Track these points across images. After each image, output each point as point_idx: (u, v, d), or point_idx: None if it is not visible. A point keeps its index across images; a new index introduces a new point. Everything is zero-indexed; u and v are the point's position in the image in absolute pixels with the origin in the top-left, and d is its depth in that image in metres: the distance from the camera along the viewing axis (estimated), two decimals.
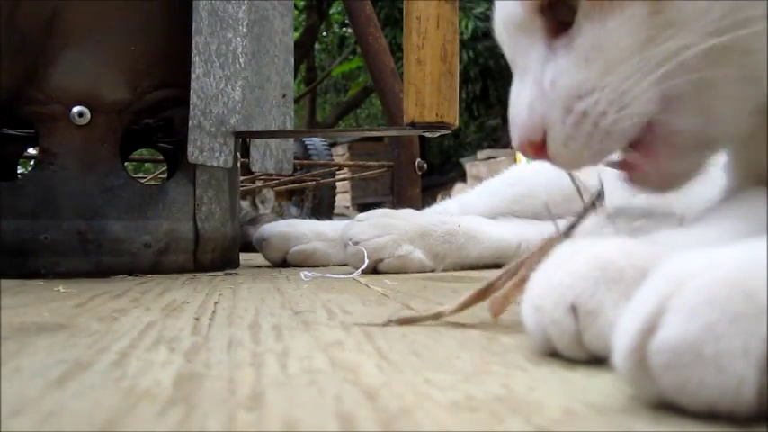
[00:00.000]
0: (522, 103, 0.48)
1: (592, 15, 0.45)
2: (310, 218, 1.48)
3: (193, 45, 0.95)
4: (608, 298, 0.34)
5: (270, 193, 2.41)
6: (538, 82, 0.48)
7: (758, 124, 0.47)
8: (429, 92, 0.96)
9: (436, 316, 0.48)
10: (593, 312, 0.34)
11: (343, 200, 6.02)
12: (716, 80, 0.45)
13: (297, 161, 1.74)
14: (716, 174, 0.52)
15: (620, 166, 0.49)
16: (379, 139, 6.09)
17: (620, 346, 0.27)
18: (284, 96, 1.18)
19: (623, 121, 0.45)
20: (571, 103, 0.46)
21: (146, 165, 3.12)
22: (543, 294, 0.36)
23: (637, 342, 0.26)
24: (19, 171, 1.23)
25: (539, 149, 0.48)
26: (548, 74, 0.47)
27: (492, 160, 5.55)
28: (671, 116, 0.45)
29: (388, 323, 0.48)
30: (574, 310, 0.34)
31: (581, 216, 0.50)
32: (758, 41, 0.43)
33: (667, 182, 0.48)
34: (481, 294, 0.47)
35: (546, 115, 0.47)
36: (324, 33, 9.34)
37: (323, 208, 2.54)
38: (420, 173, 1.78)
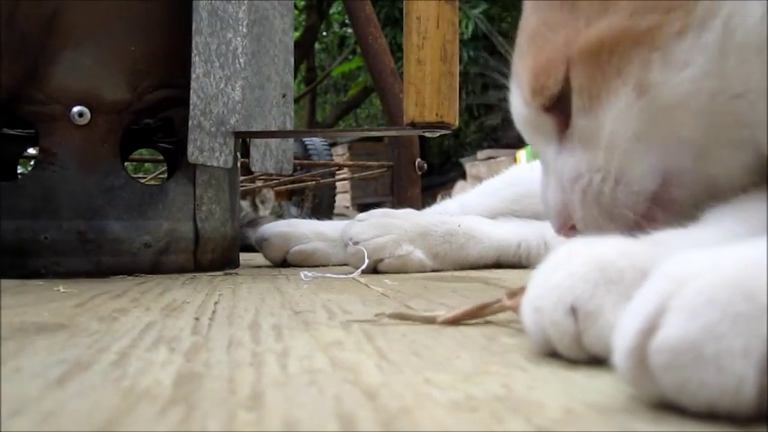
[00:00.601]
0: (550, 195, 0.55)
1: (584, 108, 0.49)
2: (310, 218, 1.48)
3: (193, 45, 0.95)
4: (608, 299, 0.34)
5: (270, 194, 2.41)
6: (557, 174, 0.53)
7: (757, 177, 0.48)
8: (429, 92, 0.96)
9: (428, 319, 0.48)
10: (593, 314, 0.34)
11: (343, 200, 6.02)
12: (715, 151, 0.47)
13: (297, 161, 1.74)
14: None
15: None
16: (379, 139, 6.09)
17: (621, 345, 0.27)
18: (284, 96, 1.18)
19: (623, 198, 0.49)
20: (573, 186, 0.51)
21: (146, 165, 3.12)
22: (543, 295, 0.36)
23: (637, 342, 0.26)
24: (19, 171, 1.23)
25: (572, 230, 0.54)
26: (559, 165, 0.53)
27: (492, 160, 5.55)
28: (672, 189, 0.48)
29: (378, 315, 0.48)
30: (573, 311, 0.34)
31: None
32: (755, 111, 0.45)
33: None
34: (477, 311, 0.47)
35: (566, 202, 0.53)
36: (324, 33, 9.33)
37: (323, 208, 2.54)
38: (420, 173, 1.78)
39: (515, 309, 0.45)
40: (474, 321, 0.49)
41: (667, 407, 0.26)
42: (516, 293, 0.45)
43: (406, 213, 1.05)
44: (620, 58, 0.46)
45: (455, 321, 0.47)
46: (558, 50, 0.49)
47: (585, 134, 0.50)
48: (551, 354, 0.36)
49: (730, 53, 0.44)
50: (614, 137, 0.48)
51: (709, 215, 0.47)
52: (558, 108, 0.51)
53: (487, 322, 0.50)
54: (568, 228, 0.54)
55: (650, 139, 0.47)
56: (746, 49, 0.43)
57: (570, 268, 0.35)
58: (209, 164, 0.99)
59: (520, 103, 0.55)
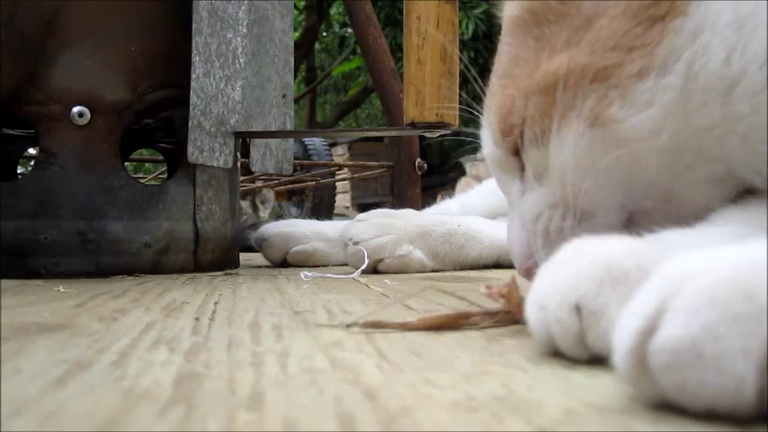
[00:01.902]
0: (513, 235, 0.54)
1: (536, 140, 0.49)
2: (310, 218, 1.48)
3: (193, 45, 0.95)
4: (612, 298, 0.34)
5: (270, 194, 2.42)
6: (520, 214, 0.53)
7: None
8: (429, 92, 0.96)
9: (402, 326, 0.47)
10: (597, 312, 0.34)
11: (343, 200, 6.02)
12: (686, 189, 0.46)
13: (297, 161, 1.74)
14: None
15: None
16: (379, 139, 6.09)
17: (621, 346, 0.27)
18: (284, 96, 1.18)
19: (584, 230, 0.47)
20: (533, 226, 0.50)
21: (146, 165, 3.12)
22: (547, 293, 0.36)
23: (637, 342, 0.26)
24: (19, 171, 1.23)
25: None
26: (521, 205, 0.52)
27: None
28: (641, 226, 0.47)
29: (352, 325, 0.46)
30: (578, 309, 0.34)
31: None
32: (723, 145, 0.44)
33: None
34: (451, 321, 0.46)
35: (529, 241, 0.52)
36: (324, 33, 9.34)
37: (323, 208, 2.54)
38: (420, 173, 1.78)
39: (515, 314, 0.45)
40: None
41: (667, 407, 0.26)
42: (506, 294, 0.45)
43: (406, 213, 1.05)
44: (576, 92, 0.46)
45: (429, 327, 0.46)
46: (521, 86, 0.49)
47: (538, 167, 0.49)
48: (552, 354, 0.36)
49: (693, 95, 0.44)
50: (564, 167, 0.47)
51: (715, 216, 0.47)
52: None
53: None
54: (530, 270, 0.51)
55: (608, 173, 0.46)
56: (710, 92, 0.43)
57: (576, 266, 0.35)
58: (209, 164, 0.99)
59: (490, 143, 0.55)
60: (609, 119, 0.45)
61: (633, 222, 0.48)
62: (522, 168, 0.52)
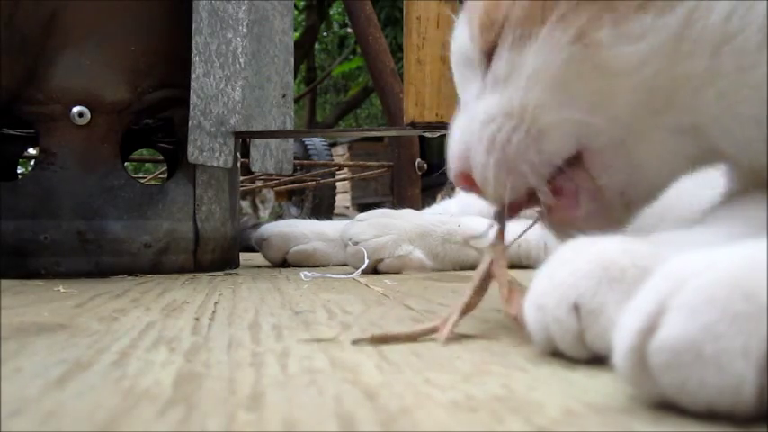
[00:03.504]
0: (456, 136, 0.48)
1: (513, 42, 0.45)
2: (310, 218, 1.48)
3: (193, 45, 0.95)
4: (610, 297, 0.34)
5: (270, 194, 2.42)
6: (470, 116, 0.47)
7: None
8: (429, 92, 0.96)
9: (410, 337, 0.43)
10: (596, 311, 0.34)
11: (343, 200, 6.02)
12: (646, 134, 0.44)
13: (297, 161, 1.74)
14: (714, 176, 0.51)
15: (545, 209, 0.47)
16: (379, 139, 6.09)
17: (621, 345, 0.27)
18: (284, 96, 1.18)
19: (531, 156, 0.44)
20: (481, 131, 0.46)
21: (146, 165, 3.12)
22: (546, 293, 0.36)
23: (637, 341, 0.26)
24: (19, 171, 1.23)
25: (470, 182, 0.47)
26: (475, 108, 0.47)
27: None
28: (593, 169, 0.45)
29: (357, 341, 0.42)
30: (576, 309, 0.34)
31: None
32: (697, 98, 0.42)
33: (592, 227, 0.46)
34: (433, 328, 0.45)
35: (469, 145, 0.47)
36: (324, 33, 9.34)
37: (323, 208, 2.54)
38: (420, 173, 1.78)
39: (468, 309, 0.44)
40: (474, 322, 0.49)
41: (667, 407, 0.26)
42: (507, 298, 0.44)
43: (406, 213, 1.05)
44: (571, 7, 0.43)
45: (417, 337, 0.43)
46: None
47: (507, 71, 0.45)
48: (551, 354, 0.36)
49: (685, 42, 0.42)
50: (535, 77, 0.44)
51: (711, 216, 0.47)
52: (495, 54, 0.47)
53: (487, 322, 0.50)
54: (467, 178, 0.48)
55: (574, 94, 0.44)
56: (702, 43, 0.42)
57: (573, 266, 0.35)
58: (209, 164, 0.99)
59: (465, 38, 0.50)
60: (595, 41, 0.43)
61: (580, 161, 0.45)
62: (486, 67, 0.48)
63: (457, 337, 0.44)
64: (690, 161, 0.45)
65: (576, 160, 0.45)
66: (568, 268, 0.35)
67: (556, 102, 0.44)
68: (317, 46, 9.21)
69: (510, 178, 0.45)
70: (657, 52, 0.42)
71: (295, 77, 2.52)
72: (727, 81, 0.42)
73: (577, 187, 0.45)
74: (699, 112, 0.43)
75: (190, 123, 0.94)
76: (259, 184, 2.28)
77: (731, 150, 0.44)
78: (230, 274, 0.98)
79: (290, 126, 1.20)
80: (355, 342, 0.42)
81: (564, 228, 0.47)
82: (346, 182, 5.12)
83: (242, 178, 1.56)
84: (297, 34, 6.86)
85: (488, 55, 0.47)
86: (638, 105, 0.43)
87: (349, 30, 7.88)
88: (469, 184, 0.48)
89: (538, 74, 0.44)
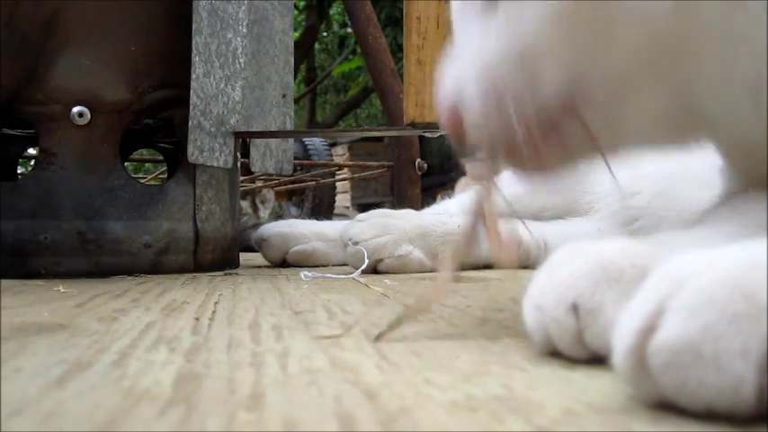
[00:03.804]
0: (450, 70, 0.45)
1: None
2: (310, 218, 1.48)
3: (193, 45, 0.95)
4: (609, 297, 0.34)
5: (270, 194, 2.42)
6: (468, 53, 0.45)
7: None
8: (429, 92, 0.96)
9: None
10: (595, 311, 0.34)
11: (343, 200, 6.02)
12: (641, 88, 0.42)
13: (297, 161, 1.74)
14: (712, 177, 0.51)
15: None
16: (379, 139, 6.09)
17: (620, 345, 0.27)
18: (284, 96, 1.18)
19: (527, 93, 0.42)
20: (484, 71, 0.43)
21: (146, 165, 3.12)
22: (544, 293, 0.36)
23: (636, 342, 0.26)
24: (19, 171, 1.23)
25: (458, 119, 0.45)
26: (477, 45, 0.44)
27: None
28: (580, 100, 0.42)
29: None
30: (575, 309, 0.34)
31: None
32: (704, 58, 0.40)
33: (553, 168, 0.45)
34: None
35: (463, 82, 0.44)
36: (324, 33, 9.34)
37: (323, 208, 2.54)
38: (420, 173, 1.78)
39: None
40: (474, 322, 0.49)
41: (666, 407, 0.26)
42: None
43: (406, 213, 1.05)
44: None
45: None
46: None
47: (507, 7, 0.42)
48: (551, 354, 0.36)
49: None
50: (543, 18, 0.41)
51: (710, 216, 0.47)
52: None
53: (487, 322, 0.50)
54: (455, 114, 0.45)
55: (580, 41, 0.41)
56: (715, 5, 0.39)
57: (572, 266, 0.35)
58: (209, 164, 0.99)
59: None
60: None
61: (572, 108, 0.42)
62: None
63: (457, 337, 0.44)
64: (670, 127, 0.43)
65: (568, 107, 0.42)
66: (567, 269, 0.35)
67: (560, 46, 0.41)
68: (317, 46, 9.22)
69: (503, 115, 0.42)
70: (669, 7, 0.39)
71: (295, 77, 2.52)
72: (733, 46, 0.39)
73: (566, 133, 0.43)
74: (697, 73, 0.41)
75: (190, 123, 0.94)
76: (259, 184, 2.28)
77: (715, 117, 0.42)
78: (230, 274, 0.98)
79: (290, 126, 1.20)
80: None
81: (534, 169, 0.45)
82: (346, 182, 5.12)
83: (242, 178, 1.56)
84: (297, 34, 6.86)
85: None
86: (640, 57, 0.41)
87: (349, 30, 7.88)
88: (457, 121, 0.45)
89: (544, 18, 0.41)
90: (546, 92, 0.42)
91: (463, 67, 0.44)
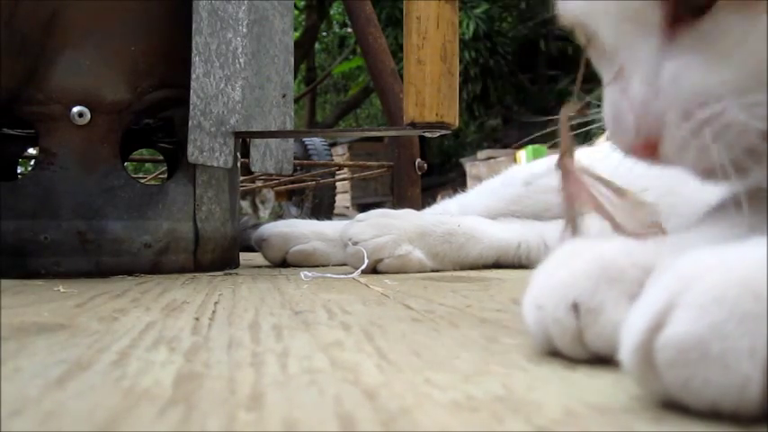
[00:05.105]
0: (636, 99, 0.42)
1: (735, 6, 0.38)
2: (310, 218, 1.48)
3: (193, 45, 0.95)
4: (609, 297, 0.34)
5: (270, 194, 2.41)
6: (650, 79, 0.41)
7: None
8: (429, 92, 0.96)
9: None
10: (595, 311, 0.34)
11: (343, 200, 6.02)
12: None
13: (297, 161, 1.74)
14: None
15: None
16: (379, 139, 6.09)
17: (627, 341, 0.27)
18: (284, 96, 1.18)
19: (746, 138, 0.39)
20: (693, 108, 0.40)
21: (146, 165, 3.12)
22: (545, 293, 0.36)
23: (644, 338, 0.26)
24: (19, 171, 1.23)
25: (652, 152, 0.42)
26: (667, 70, 0.41)
27: (492, 160, 5.55)
28: None
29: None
30: (575, 308, 0.34)
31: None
32: None
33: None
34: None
35: (664, 115, 0.41)
36: (324, 33, 9.34)
37: (323, 208, 2.54)
38: (420, 173, 1.78)
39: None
40: (474, 322, 0.49)
41: (668, 406, 0.26)
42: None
43: (406, 213, 1.05)
44: None
45: None
46: None
47: (727, 40, 0.39)
48: (552, 354, 0.36)
49: None
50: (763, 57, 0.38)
51: (712, 217, 0.47)
52: None
53: (487, 322, 0.50)
54: (651, 147, 0.42)
55: None
56: None
57: (572, 266, 0.35)
58: (209, 164, 0.99)
59: None
60: None
61: None
62: (664, 20, 0.41)
63: (457, 337, 0.44)
64: None
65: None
66: (567, 268, 0.35)
67: None
68: (317, 46, 9.21)
69: (711, 161, 0.40)
70: None
71: (295, 77, 2.52)
72: None
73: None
74: None
75: (190, 123, 0.94)
76: (259, 184, 2.27)
77: None
78: (230, 274, 0.98)
79: (290, 126, 1.20)
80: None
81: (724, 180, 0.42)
82: (346, 182, 5.12)
83: (242, 178, 1.56)
84: (297, 34, 6.86)
85: (670, 12, 0.40)
86: None
87: (349, 30, 7.89)
88: (650, 153, 0.42)
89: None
90: (761, 129, 0.39)
91: (657, 96, 0.41)
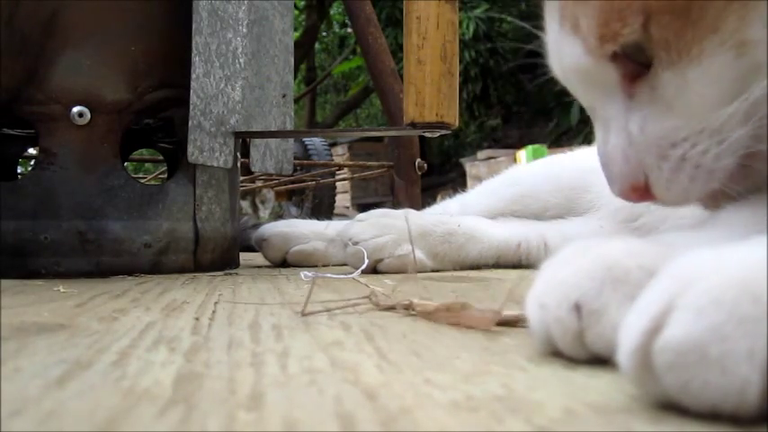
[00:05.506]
0: (614, 152, 0.48)
1: (670, 65, 0.44)
2: (310, 218, 1.48)
3: (193, 45, 0.95)
4: (613, 298, 0.34)
5: (270, 194, 2.41)
6: (624, 131, 0.48)
7: None
8: (429, 92, 0.96)
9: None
10: (597, 312, 0.34)
11: (343, 200, 6.02)
12: None
13: (297, 161, 1.74)
14: None
15: None
16: (379, 139, 6.09)
17: (626, 343, 0.27)
18: (284, 96, 1.18)
19: (725, 160, 0.45)
20: (666, 151, 0.46)
21: (146, 165, 3.12)
22: (548, 291, 0.36)
23: (642, 340, 0.26)
24: (19, 171, 1.23)
25: (643, 194, 0.48)
26: (633, 122, 0.47)
27: (492, 160, 5.55)
28: (752, 171, 0.46)
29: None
30: (578, 308, 0.34)
31: None
32: None
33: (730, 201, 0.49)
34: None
35: (643, 161, 0.47)
36: (324, 33, 9.34)
37: (323, 208, 2.54)
38: (420, 173, 1.78)
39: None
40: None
41: (667, 407, 0.26)
42: None
43: (406, 213, 1.05)
44: (716, 14, 0.42)
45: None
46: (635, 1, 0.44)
47: (671, 93, 0.45)
48: (552, 354, 0.36)
49: None
50: (707, 98, 0.44)
51: (716, 217, 0.47)
52: (625, 56, 0.46)
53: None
54: (641, 191, 0.48)
55: (747, 98, 0.43)
56: None
57: (577, 265, 0.35)
58: (209, 164, 0.99)
59: (578, 53, 0.48)
60: (749, 41, 0.42)
61: (751, 162, 0.46)
62: (623, 80, 0.47)
63: (457, 337, 0.44)
64: None
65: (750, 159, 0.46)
66: (571, 268, 0.35)
67: (736, 114, 0.44)
68: (317, 46, 9.21)
69: (705, 186, 0.46)
70: None
71: (295, 77, 2.52)
72: None
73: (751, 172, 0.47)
74: None
75: (190, 123, 0.94)
76: (259, 184, 2.27)
77: None
78: (230, 274, 0.98)
79: (290, 126, 1.20)
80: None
81: (724, 203, 0.48)
82: (346, 182, 5.12)
83: (242, 178, 1.56)
84: (297, 34, 6.85)
85: (613, 60, 0.47)
86: None
87: (349, 30, 7.88)
88: (643, 196, 0.49)
89: (712, 97, 0.44)
90: (736, 153, 0.45)
91: (639, 149, 0.47)
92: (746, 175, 0.46)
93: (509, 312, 0.47)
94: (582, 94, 0.51)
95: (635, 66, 0.46)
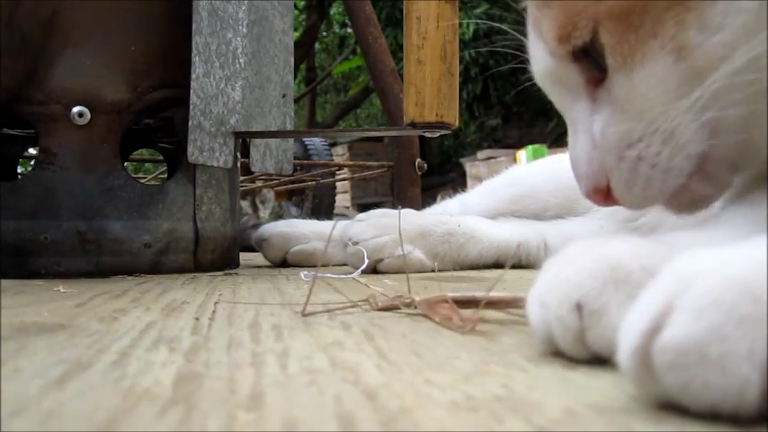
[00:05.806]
0: (580, 154, 0.50)
1: (620, 69, 0.47)
2: (310, 218, 1.48)
3: (193, 45, 0.95)
4: (614, 298, 0.34)
5: (270, 194, 2.41)
6: (588, 133, 0.50)
7: None
8: (429, 92, 0.96)
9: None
10: (599, 312, 0.34)
11: (343, 200, 6.02)
12: (757, 112, 0.45)
13: (297, 161, 1.74)
14: None
15: None
16: (379, 139, 6.09)
17: (625, 344, 0.27)
18: (284, 96, 1.18)
19: (678, 158, 0.46)
20: (622, 152, 0.48)
21: (146, 165, 3.12)
22: (549, 291, 0.35)
23: (642, 340, 0.26)
24: (19, 171, 1.23)
25: (606, 196, 0.50)
26: (596, 125, 0.49)
27: (492, 160, 5.55)
28: (717, 147, 0.46)
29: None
30: (579, 308, 0.34)
31: None
32: None
33: (696, 204, 0.50)
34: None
35: (603, 164, 0.49)
36: (324, 33, 9.33)
37: (323, 208, 2.54)
38: (420, 173, 1.78)
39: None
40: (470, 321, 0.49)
41: (668, 407, 0.26)
42: None
43: (406, 213, 1.05)
44: (654, 19, 0.44)
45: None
46: (584, 6, 0.47)
47: (621, 95, 0.47)
48: (552, 354, 0.36)
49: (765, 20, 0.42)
50: (651, 100, 0.46)
51: (718, 217, 0.47)
52: (587, 60, 0.48)
53: (487, 322, 0.50)
54: (603, 193, 0.50)
55: (694, 98, 0.45)
56: None
57: (578, 265, 0.35)
58: (209, 164, 0.99)
59: (543, 55, 0.51)
60: (688, 46, 0.44)
61: (706, 163, 0.47)
62: (586, 82, 0.49)
63: (457, 337, 0.44)
64: None
65: (699, 168, 0.47)
66: (573, 267, 0.35)
67: (686, 110, 0.45)
68: (317, 46, 9.21)
69: (662, 186, 0.47)
70: (743, 36, 0.42)
71: (295, 77, 2.52)
72: None
73: (709, 171, 0.48)
74: None
75: (190, 123, 0.94)
76: (259, 184, 2.27)
77: None
78: (230, 274, 0.98)
79: (290, 126, 1.20)
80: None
81: (689, 206, 0.50)
82: (346, 182, 5.12)
83: (242, 178, 1.56)
84: (297, 34, 6.85)
85: (576, 62, 0.49)
86: (747, 92, 0.44)
87: (349, 30, 7.89)
88: (606, 198, 0.50)
89: (656, 99, 0.46)
90: (692, 152, 0.46)
91: (600, 151, 0.49)
92: (708, 179, 0.48)
93: (495, 294, 0.48)
94: (554, 97, 0.54)
95: (595, 70, 0.48)
